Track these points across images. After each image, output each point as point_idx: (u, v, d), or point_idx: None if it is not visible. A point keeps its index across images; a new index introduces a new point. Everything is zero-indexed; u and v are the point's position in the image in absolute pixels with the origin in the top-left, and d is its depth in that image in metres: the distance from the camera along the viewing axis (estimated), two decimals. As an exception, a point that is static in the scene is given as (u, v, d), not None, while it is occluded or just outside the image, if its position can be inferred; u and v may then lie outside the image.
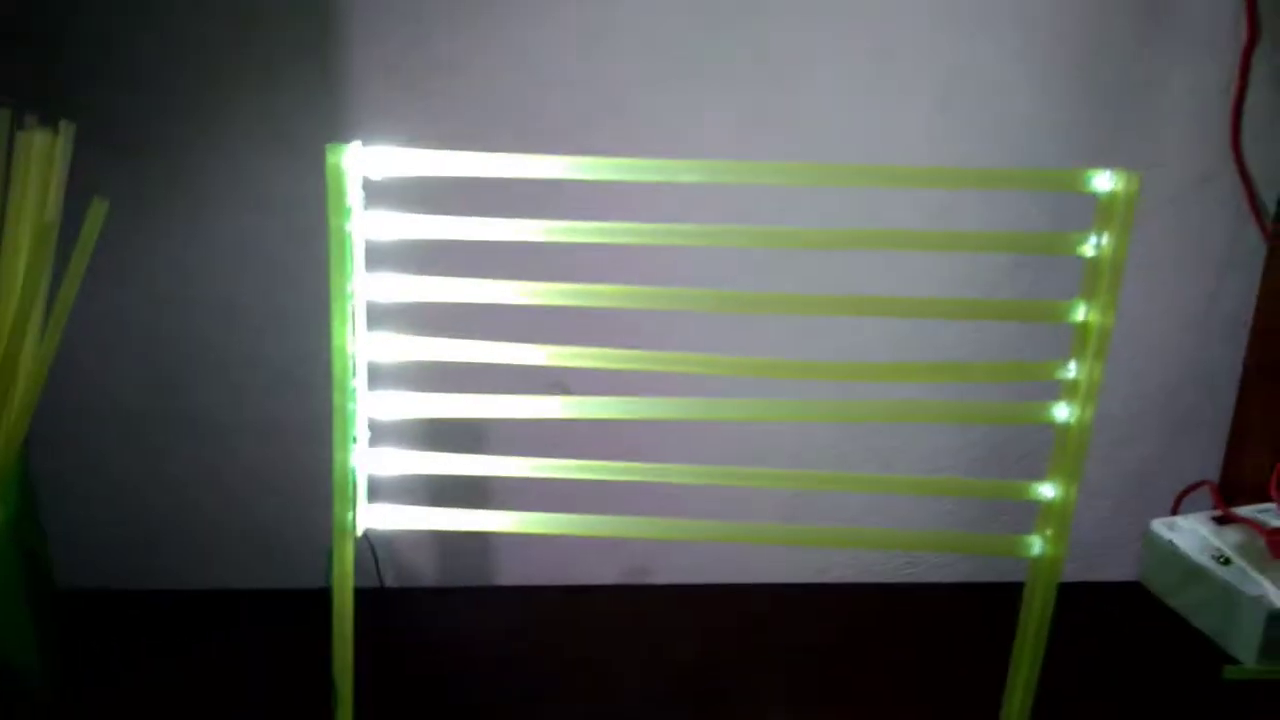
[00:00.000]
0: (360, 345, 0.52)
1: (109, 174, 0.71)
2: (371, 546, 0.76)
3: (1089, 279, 0.51)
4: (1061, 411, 0.52)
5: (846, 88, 0.75)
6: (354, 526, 0.54)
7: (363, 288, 0.51)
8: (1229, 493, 0.87)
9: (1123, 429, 0.88)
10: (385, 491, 0.56)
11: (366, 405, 0.53)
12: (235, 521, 0.86)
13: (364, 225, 0.50)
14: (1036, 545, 0.55)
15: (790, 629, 0.81)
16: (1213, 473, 0.89)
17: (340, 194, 0.49)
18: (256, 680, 0.78)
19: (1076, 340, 0.52)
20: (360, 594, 0.58)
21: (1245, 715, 0.73)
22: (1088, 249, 0.50)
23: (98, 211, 0.65)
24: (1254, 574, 0.78)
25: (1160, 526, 0.86)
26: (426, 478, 0.55)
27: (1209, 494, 0.87)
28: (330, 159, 0.48)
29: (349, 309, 0.51)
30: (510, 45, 0.75)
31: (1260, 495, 0.86)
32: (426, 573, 0.87)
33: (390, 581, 0.86)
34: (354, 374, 0.52)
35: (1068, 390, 0.52)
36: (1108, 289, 0.50)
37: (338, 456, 0.53)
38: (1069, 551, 0.66)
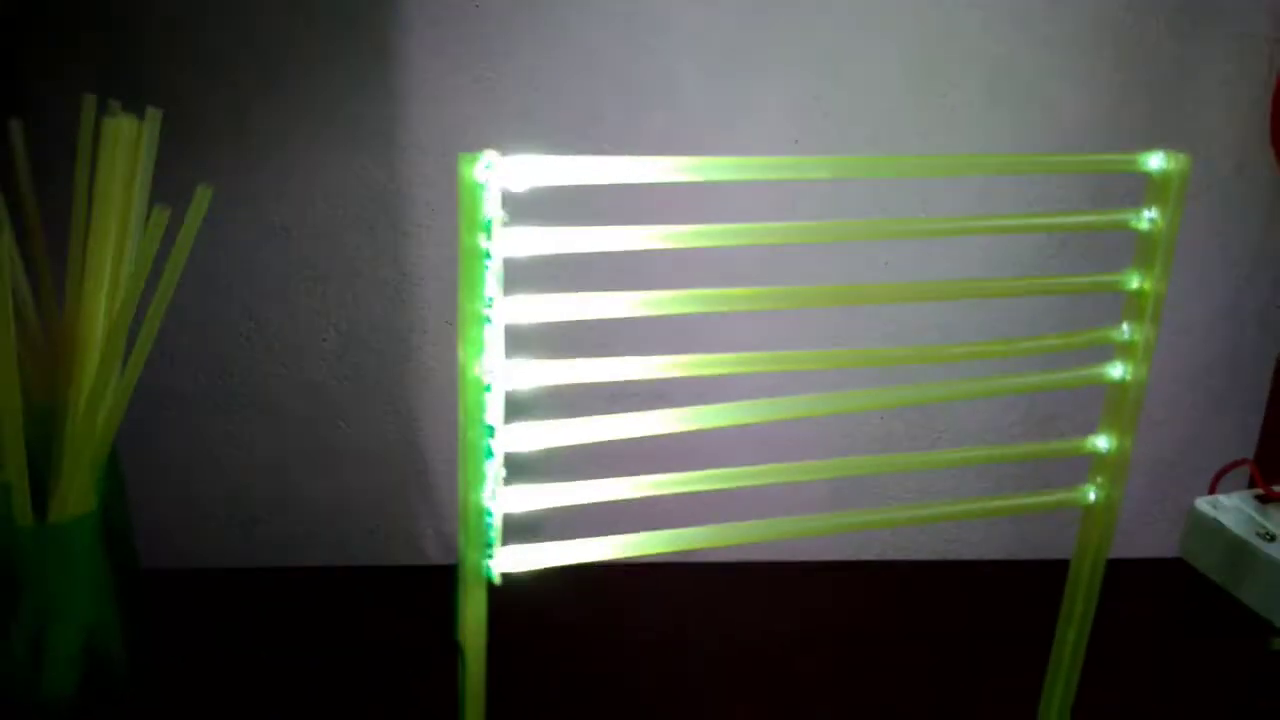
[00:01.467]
0: (499, 373, 0.47)
1: (176, 161, 0.68)
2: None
3: (1142, 250, 0.56)
4: (1116, 370, 0.58)
5: (894, 81, 0.79)
6: (489, 573, 0.49)
7: (502, 310, 0.46)
8: (1266, 473, 0.91)
9: (1158, 411, 0.91)
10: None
11: (504, 440, 0.48)
12: (323, 500, 0.90)
13: (505, 242, 0.45)
14: (1091, 493, 0.60)
15: (833, 606, 0.85)
16: (1246, 454, 0.94)
17: (476, 208, 0.45)
18: (341, 661, 0.78)
19: (1130, 306, 0.57)
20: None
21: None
22: (1143, 222, 0.56)
23: (203, 198, 0.63)
24: (1299, 550, 0.82)
25: (1204, 504, 0.90)
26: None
27: (1247, 473, 0.91)
28: (464, 170, 0.44)
29: (483, 334, 0.46)
30: (571, 45, 0.78)
31: (1297, 475, 0.89)
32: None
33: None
34: (486, 406, 0.47)
35: (1121, 351, 0.57)
36: (1162, 258, 0.55)
37: (470, 498, 0.48)
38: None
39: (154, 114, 0.64)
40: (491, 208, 0.45)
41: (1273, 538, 0.85)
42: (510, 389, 0.47)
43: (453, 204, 0.75)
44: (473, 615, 0.50)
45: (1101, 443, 0.59)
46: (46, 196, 0.68)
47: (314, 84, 0.81)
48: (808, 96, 0.80)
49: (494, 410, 0.47)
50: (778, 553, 0.91)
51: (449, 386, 0.86)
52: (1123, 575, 0.86)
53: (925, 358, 0.56)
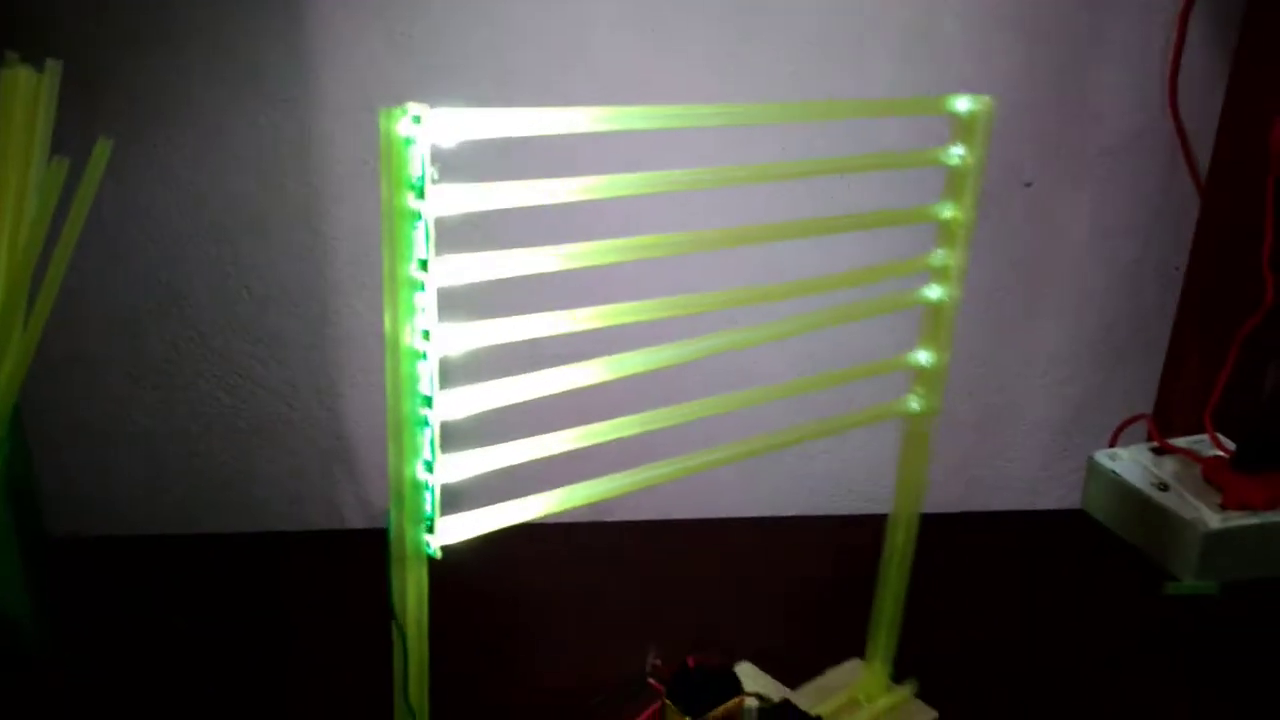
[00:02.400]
0: (431, 340, 0.44)
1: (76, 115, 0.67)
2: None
3: (952, 183, 0.63)
4: (933, 291, 0.65)
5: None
6: (428, 549, 0.47)
7: (434, 274, 0.43)
8: (1162, 427, 0.97)
9: (1062, 368, 0.98)
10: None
11: (440, 410, 0.45)
12: (239, 465, 0.89)
13: (435, 202, 0.42)
14: (914, 402, 0.67)
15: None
16: (1146, 408, 1.00)
17: (401, 165, 0.42)
18: (241, 626, 0.77)
19: (943, 234, 0.64)
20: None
21: (1185, 623, 0.84)
22: (953, 158, 0.63)
23: (103, 150, 0.62)
24: (1191, 499, 0.89)
25: (1103, 457, 0.95)
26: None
27: (1145, 427, 0.97)
28: (385, 124, 0.41)
29: (413, 299, 0.43)
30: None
31: (1191, 428, 0.95)
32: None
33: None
34: (419, 375, 0.44)
35: (937, 275, 0.65)
36: (970, 190, 0.63)
37: (406, 472, 0.45)
38: (1011, 481, 0.85)
39: (54, 65, 0.63)
40: (419, 165, 0.42)
41: (1166, 487, 0.90)
42: (443, 355, 0.45)
43: (367, 161, 0.78)
44: (413, 592, 0.47)
45: (922, 357, 0.66)
46: None
47: (219, 35, 0.78)
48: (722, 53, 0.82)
49: (427, 379, 0.45)
50: (694, 509, 0.95)
51: (368, 351, 0.89)
52: (1029, 526, 0.97)
53: (786, 293, 0.60)
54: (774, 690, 0.72)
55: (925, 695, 0.72)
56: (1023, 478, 1.00)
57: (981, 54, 0.87)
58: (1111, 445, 1.00)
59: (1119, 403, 1.01)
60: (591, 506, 0.54)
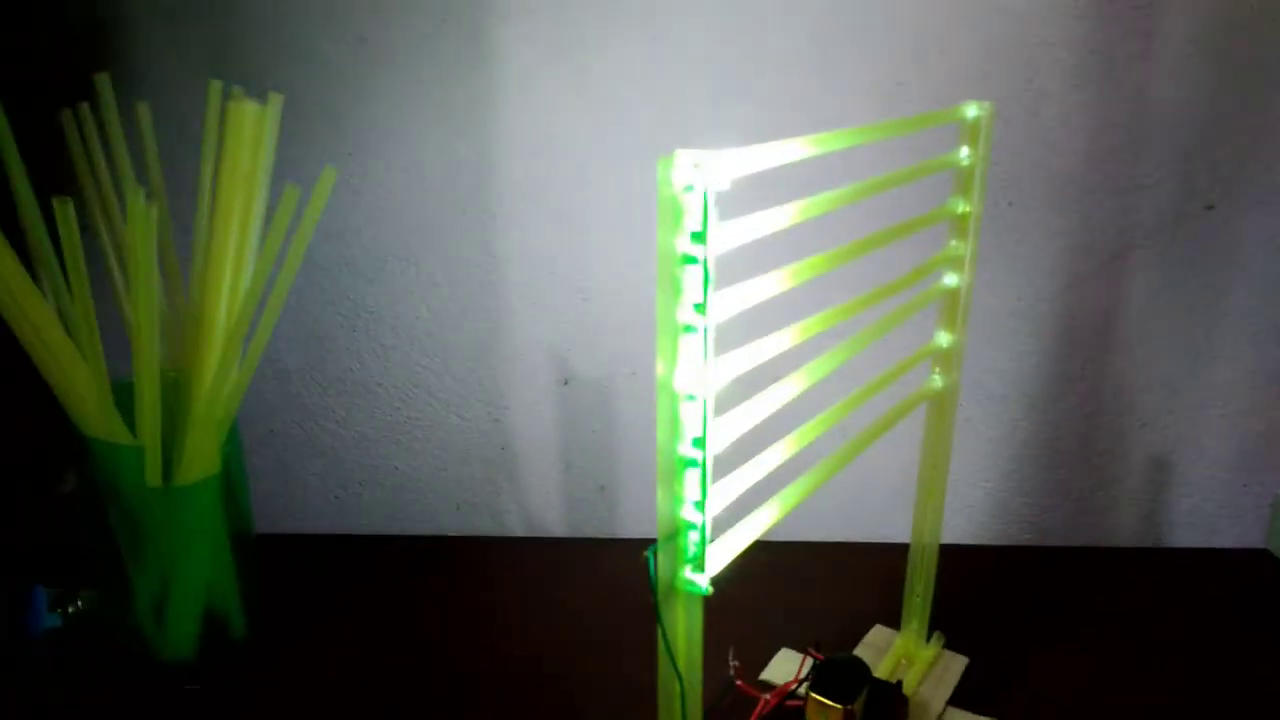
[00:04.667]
0: (707, 379, 0.44)
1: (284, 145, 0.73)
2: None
3: (961, 182, 0.70)
4: (950, 279, 0.72)
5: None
6: (697, 589, 0.47)
7: (714, 314, 0.44)
8: None
9: (1243, 403, 0.96)
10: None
11: (713, 446, 0.45)
12: (400, 473, 0.99)
13: (715, 242, 0.43)
14: (938, 380, 0.74)
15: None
16: None
17: (677, 212, 0.42)
18: (445, 624, 0.85)
19: (955, 227, 0.71)
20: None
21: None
22: (962, 160, 0.70)
23: (328, 177, 0.68)
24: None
25: None
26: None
27: None
28: (663, 172, 0.42)
29: (681, 342, 0.44)
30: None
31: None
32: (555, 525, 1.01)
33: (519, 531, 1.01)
34: (686, 417, 0.44)
35: (953, 264, 0.72)
36: (978, 186, 0.70)
37: (674, 514, 0.46)
38: (1191, 518, 0.89)
39: (275, 98, 0.68)
40: (698, 210, 0.42)
41: None
42: (713, 394, 0.45)
43: (542, 186, 0.89)
44: (688, 629, 0.47)
45: (942, 339, 0.73)
46: (169, 177, 0.74)
47: (417, 72, 0.86)
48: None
49: (698, 420, 0.45)
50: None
51: (533, 367, 0.97)
52: (1210, 565, 0.96)
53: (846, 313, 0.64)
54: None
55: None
56: (1202, 513, 1.00)
57: (1170, 70, 0.88)
58: None
59: None
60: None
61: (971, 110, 0.69)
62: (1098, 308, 0.94)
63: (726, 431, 0.47)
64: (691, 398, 0.45)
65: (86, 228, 0.70)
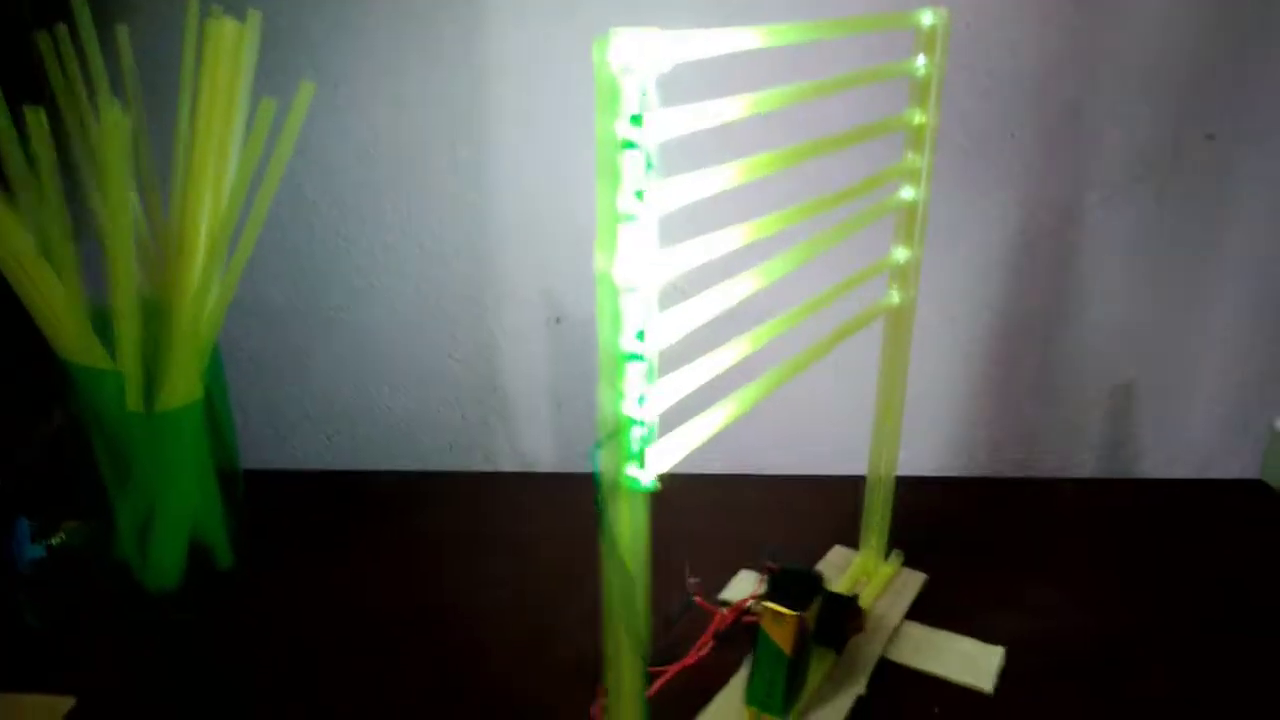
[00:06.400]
0: (649, 270, 0.43)
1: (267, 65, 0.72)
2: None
3: (917, 92, 0.69)
4: (907, 192, 0.71)
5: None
6: (639, 485, 0.47)
7: (654, 203, 0.43)
8: None
9: (1242, 338, 0.95)
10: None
11: (655, 341, 0.45)
12: (392, 412, 0.99)
13: (654, 128, 0.42)
14: (895, 296, 0.74)
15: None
16: None
17: (616, 94, 0.41)
18: (437, 560, 0.84)
19: (911, 139, 0.70)
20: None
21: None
22: (919, 69, 0.69)
23: (305, 92, 0.68)
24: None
25: None
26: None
27: None
28: (599, 53, 0.40)
29: (621, 233, 0.42)
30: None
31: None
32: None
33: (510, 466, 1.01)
34: (628, 310, 0.43)
35: (909, 176, 0.71)
36: (934, 99, 0.69)
37: (615, 410, 0.45)
38: (1185, 453, 0.88)
39: (254, 16, 0.67)
40: (635, 92, 0.41)
41: None
42: (655, 286, 0.44)
43: (533, 119, 0.86)
44: (633, 525, 0.47)
45: (899, 254, 0.73)
46: (148, 100, 0.73)
47: None
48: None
49: (640, 313, 0.44)
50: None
51: (526, 304, 0.95)
52: (1207, 494, 0.96)
53: (805, 214, 0.62)
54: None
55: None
56: (1200, 446, 1.00)
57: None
58: None
59: None
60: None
61: (927, 17, 0.68)
62: (1095, 240, 0.93)
63: (670, 327, 0.46)
64: (632, 290, 0.44)
65: (64, 149, 0.70)
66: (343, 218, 0.91)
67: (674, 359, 0.49)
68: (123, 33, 0.69)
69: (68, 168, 0.69)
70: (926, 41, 0.68)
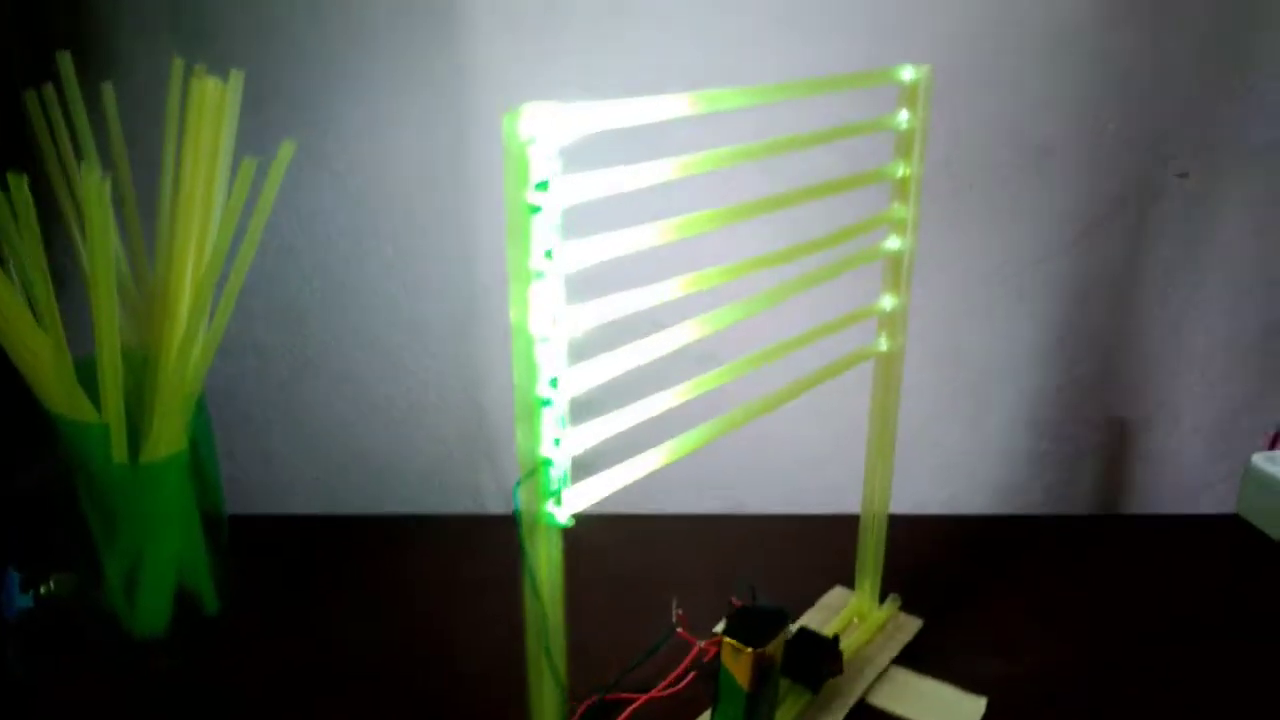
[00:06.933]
0: (557, 323, 0.47)
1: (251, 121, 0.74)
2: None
3: (901, 145, 0.71)
4: (893, 243, 0.73)
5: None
6: (555, 521, 0.50)
7: (561, 262, 0.46)
8: None
9: (1217, 372, 0.97)
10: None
11: (567, 389, 0.49)
12: (378, 452, 0.99)
13: (560, 193, 0.46)
14: (883, 343, 0.75)
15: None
16: None
17: (524, 162, 0.44)
18: (424, 603, 0.84)
19: (896, 190, 0.72)
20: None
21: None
22: (901, 123, 0.70)
23: (286, 151, 0.69)
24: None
25: (1261, 460, 0.92)
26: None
27: None
28: (508, 125, 0.44)
29: (531, 290, 0.46)
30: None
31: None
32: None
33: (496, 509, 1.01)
34: (540, 358, 0.47)
35: (895, 227, 0.72)
36: (918, 152, 0.70)
37: (532, 449, 0.48)
38: (1166, 487, 0.89)
39: (237, 75, 0.69)
40: (541, 161, 0.45)
41: None
42: (570, 337, 0.48)
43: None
44: (547, 562, 0.51)
45: (886, 302, 0.74)
46: (134, 156, 0.75)
47: (389, 46, 0.86)
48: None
49: (551, 361, 0.48)
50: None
51: (508, 346, 0.89)
52: (1184, 531, 0.95)
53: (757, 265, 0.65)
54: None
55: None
56: (1178, 481, 1.02)
57: (1138, 37, 0.88)
58: (1270, 448, 0.97)
59: (1278, 406, 1.00)
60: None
61: (908, 73, 0.70)
62: (1074, 276, 0.94)
63: (584, 376, 0.50)
64: (545, 340, 0.47)
65: (51, 207, 0.72)
66: (327, 260, 0.93)
67: (605, 404, 0.52)
68: (108, 90, 0.72)
69: (52, 220, 0.71)
70: (909, 96, 0.70)
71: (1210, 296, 0.92)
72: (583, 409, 0.51)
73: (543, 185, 0.45)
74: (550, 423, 0.48)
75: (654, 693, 0.71)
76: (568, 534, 0.89)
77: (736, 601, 0.70)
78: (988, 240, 0.94)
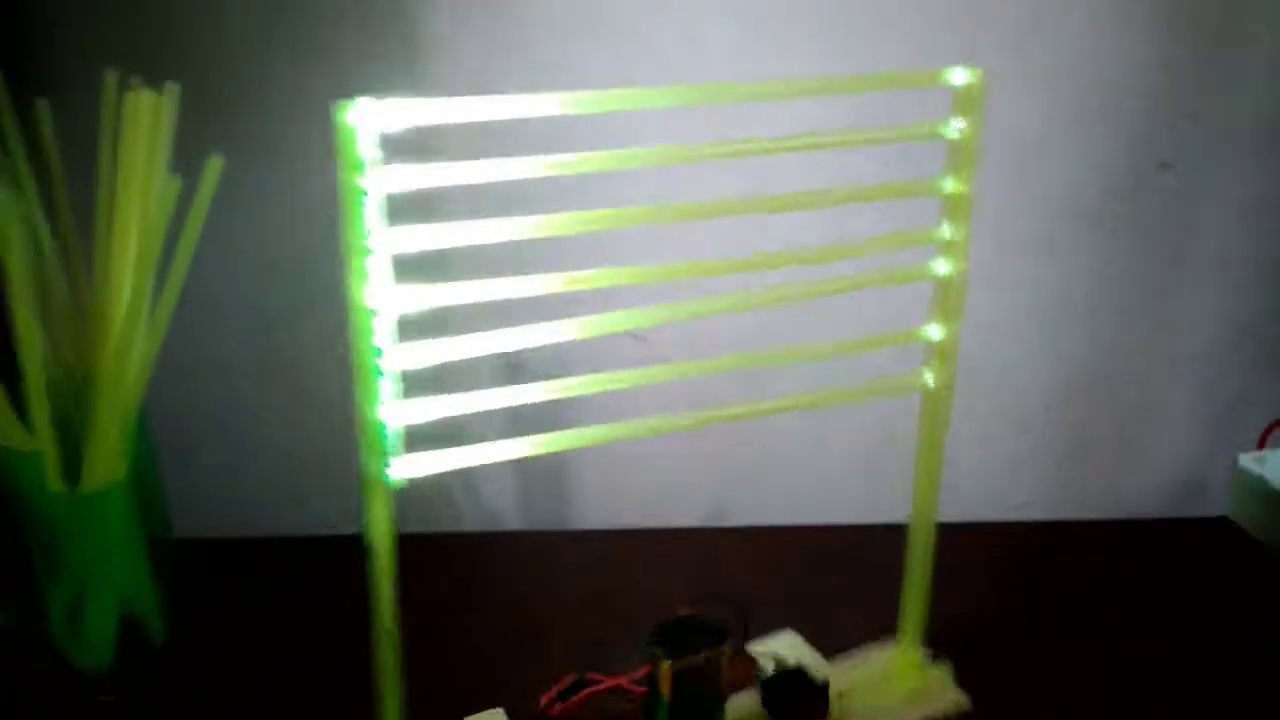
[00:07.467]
0: (384, 298, 0.52)
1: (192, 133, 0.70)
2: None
3: (952, 157, 0.63)
4: (941, 266, 0.65)
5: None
6: (387, 479, 0.55)
7: (384, 241, 0.51)
8: None
9: (1209, 368, 0.94)
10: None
11: (394, 358, 0.53)
12: (333, 470, 0.90)
13: (381, 179, 0.50)
14: (929, 377, 0.68)
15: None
16: None
17: (352, 149, 0.49)
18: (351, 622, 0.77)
19: (947, 208, 0.64)
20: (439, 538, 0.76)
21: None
22: (952, 132, 0.63)
23: (214, 168, 0.67)
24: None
25: (1249, 461, 0.91)
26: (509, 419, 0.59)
27: None
28: (339, 115, 0.48)
29: (365, 265, 0.51)
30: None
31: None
32: (509, 517, 0.97)
33: (473, 526, 0.96)
34: (373, 330, 0.52)
35: (943, 249, 0.65)
36: (969, 163, 0.63)
37: (366, 411, 0.54)
38: (1155, 490, 0.86)
39: (172, 88, 0.67)
40: (365, 149, 0.49)
41: None
42: (399, 312, 0.53)
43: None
44: (379, 518, 0.56)
45: (934, 332, 0.67)
46: (70, 171, 0.71)
47: (339, 54, 0.82)
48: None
49: (380, 334, 0.53)
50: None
51: (483, 359, 0.82)
52: (1175, 535, 0.93)
53: (787, 261, 0.62)
54: (811, 659, 0.74)
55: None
56: (1168, 483, 0.98)
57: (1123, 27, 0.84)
58: (1259, 448, 0.94)
59: (1268, 405, 0.96)
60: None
61: (959, 76, 0.62)
62: (1058, 275, 0.92)
63: (417, 352, 0.54)
64: (375, 313, 0.52)
65: None
66: (298, 273, 0.88)
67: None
68: (43, 108, 0.69)
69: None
70: (964, 103, 0.62)
71: (1195, 296, 0.90)
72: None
73: (362, 168, 0.50)
74: (385, 390, 0.54)
75: (622, 679, 0.72)
76: (588, 547, 0.91)
77: (682, 611, 0.69)
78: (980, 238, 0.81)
